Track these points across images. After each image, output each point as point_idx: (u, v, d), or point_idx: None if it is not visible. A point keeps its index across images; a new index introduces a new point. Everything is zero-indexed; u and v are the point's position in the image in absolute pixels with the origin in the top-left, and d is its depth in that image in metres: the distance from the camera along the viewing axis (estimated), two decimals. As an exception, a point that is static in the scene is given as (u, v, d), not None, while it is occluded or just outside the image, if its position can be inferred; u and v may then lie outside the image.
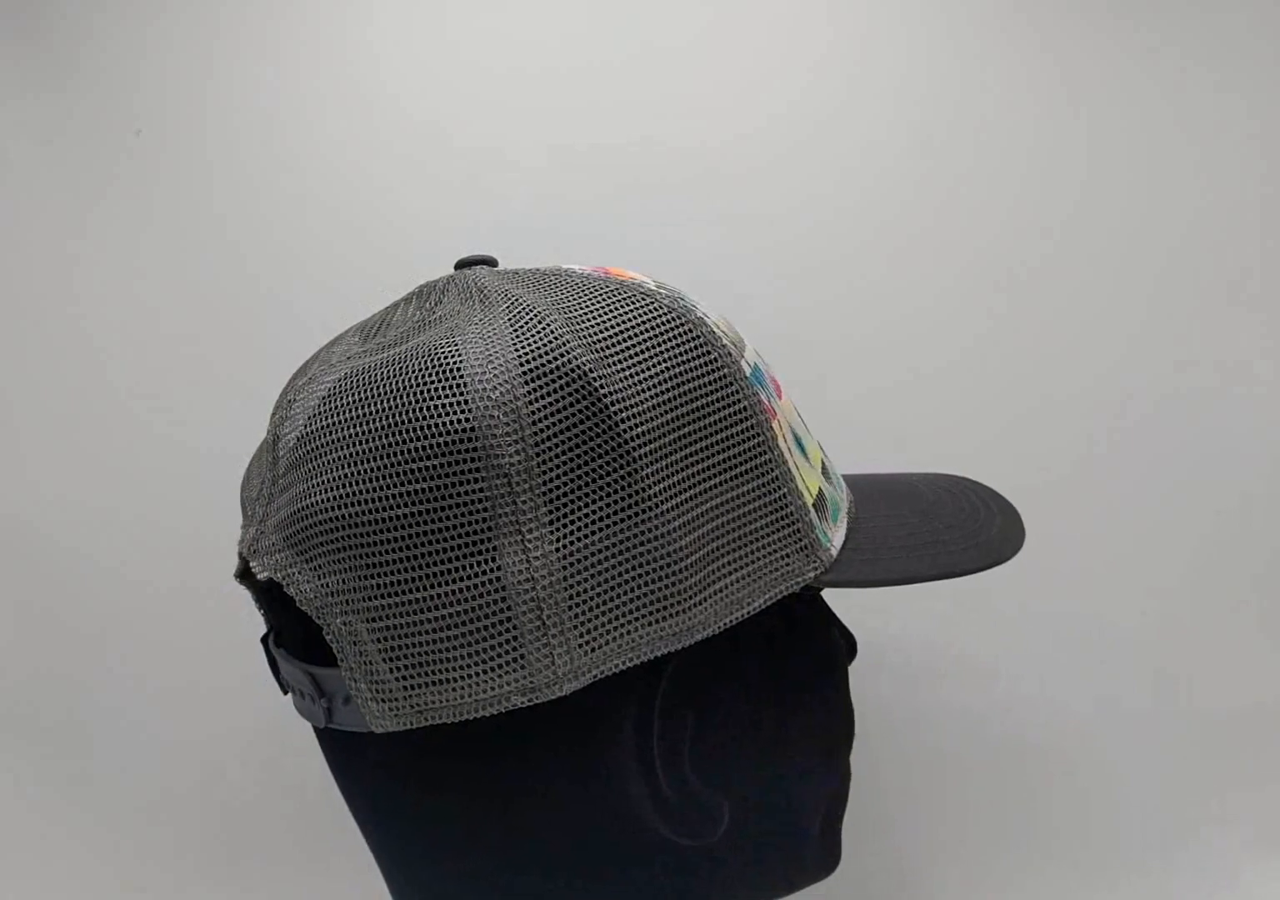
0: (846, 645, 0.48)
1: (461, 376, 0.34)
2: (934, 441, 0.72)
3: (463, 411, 0.34)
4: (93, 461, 0.75)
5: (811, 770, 0.44)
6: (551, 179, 0.73)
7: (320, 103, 0.74)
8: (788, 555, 0.37)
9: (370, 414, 0.35)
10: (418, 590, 0.34)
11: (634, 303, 0.38)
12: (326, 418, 0.36)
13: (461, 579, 0.34)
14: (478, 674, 0.34)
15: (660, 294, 0.39)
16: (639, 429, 0.35)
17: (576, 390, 0.35)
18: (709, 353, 0.37)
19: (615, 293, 0.38)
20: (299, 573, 0.37)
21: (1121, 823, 0.73)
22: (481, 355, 0.35)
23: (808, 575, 0.38)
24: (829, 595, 0.48)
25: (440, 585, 0.34)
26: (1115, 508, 0.72)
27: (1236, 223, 0.72)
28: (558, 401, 0.34)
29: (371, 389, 0.36)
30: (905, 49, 0.72)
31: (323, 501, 0.35)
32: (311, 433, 0.37)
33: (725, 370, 0.37)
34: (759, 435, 0.37)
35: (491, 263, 0.44)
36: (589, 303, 0.37)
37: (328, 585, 0.36)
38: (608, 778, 0.38)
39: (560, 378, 0.35)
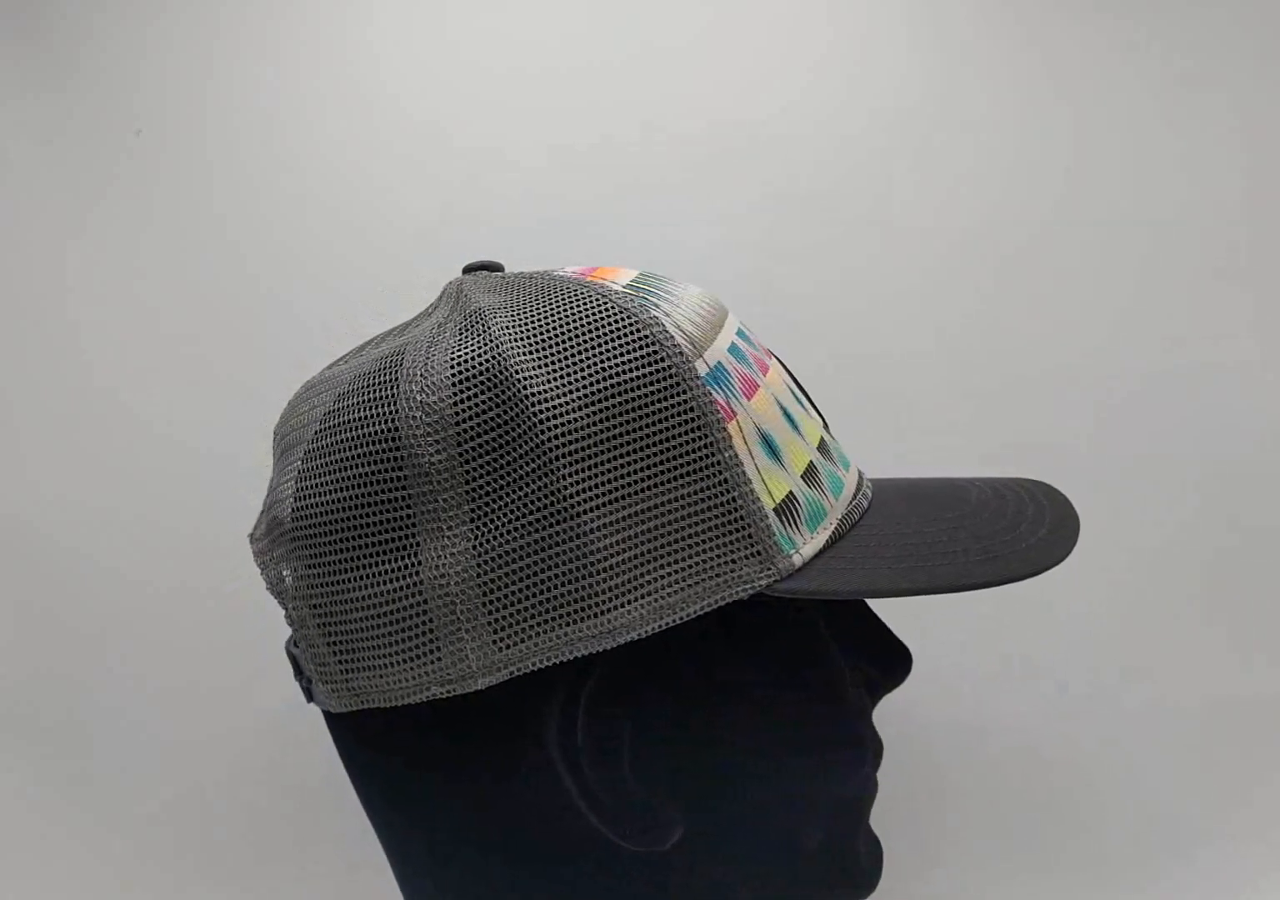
0: (895, 657, 0.46)
1: (396, 381, 0.36)
2: (923, 419, 0.72)
3: (390, 413, 0.36)
4: (93, 461, 0.75)
5: (760, 778, 0.40)
6: (551, 179, 0.73)
7: (320, 103, 0.74)
8: (735, 561, 0.36)
9: (328, 414, 0.38)
10: (349, 581, 0.37)
11: (583, 303, 0.37)
12: (314, 414, 0.39)
13: (384, 572, 0.36)
14: (399, 663, 0.36)
15: (616, 294, 0.38)
16: (561, 429, 0.35)
17: (502, 392, 0.35)
18: (654, 353, 0.36)
19: (570, 294, 0.38)
20: (270, 560, 0.40)
21: (1134, 833, 0.73)
22: (421, 359, 0.37)
23: (759, 582, 0.36)
24: (877, 603, 0.46)
25: (366, 577, 0.36)
26: (1103, 489, 0.70)
27: (1221, 207, 0.72)
28: (482, 402, 0.35)
29: (339, 392, 0.38)
30: (905, 49, 0.72)
31: (285, 496, 0.39)
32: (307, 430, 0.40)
33: (672, 370, 0.36)
34: (707, 437, 0.36)
35: (495, 267, 0.44)
36: (540, 305, 0.38)
37: (284, 573, 0.39)
38: (527, 775, 0.38)
39: (487, 379, 0.35)
